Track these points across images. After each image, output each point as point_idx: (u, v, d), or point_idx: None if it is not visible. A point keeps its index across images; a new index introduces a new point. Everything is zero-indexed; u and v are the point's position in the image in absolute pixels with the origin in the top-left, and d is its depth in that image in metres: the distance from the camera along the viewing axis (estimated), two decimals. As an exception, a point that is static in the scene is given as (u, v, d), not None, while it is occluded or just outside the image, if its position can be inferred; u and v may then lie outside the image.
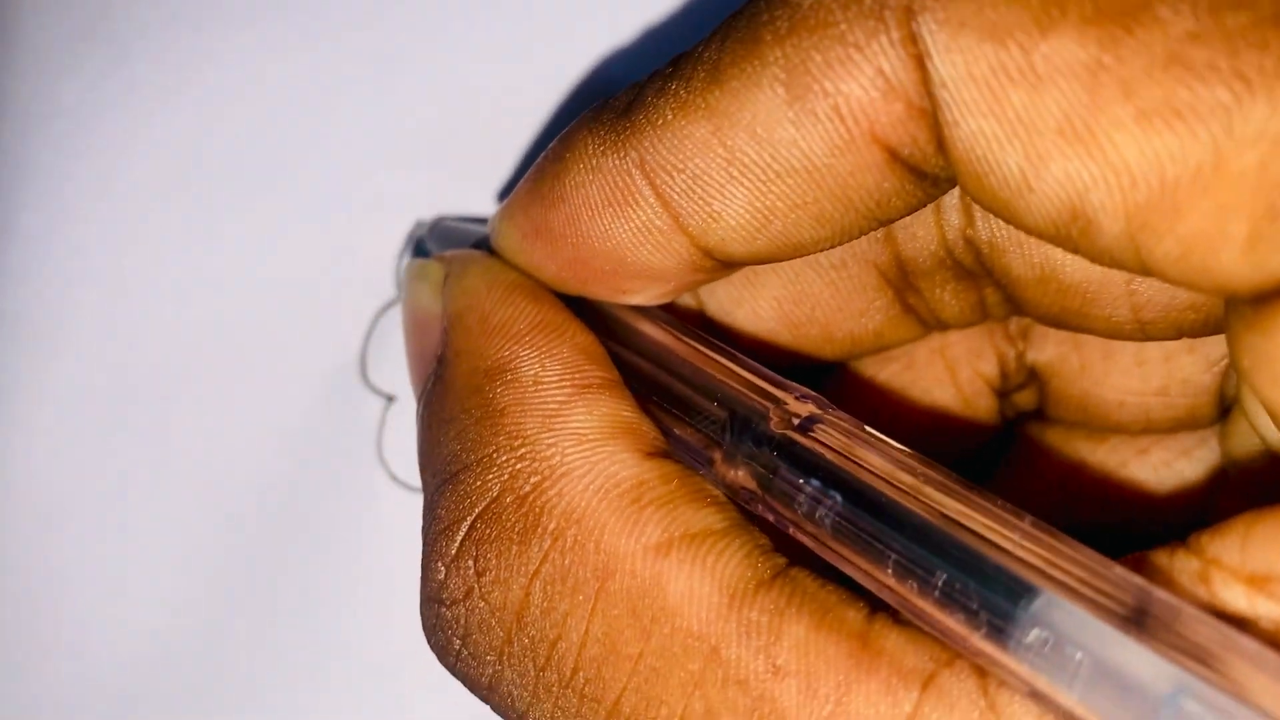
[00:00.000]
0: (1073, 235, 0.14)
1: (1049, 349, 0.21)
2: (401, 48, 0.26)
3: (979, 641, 0.13)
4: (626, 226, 0.16)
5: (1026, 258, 0.18)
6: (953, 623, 0.14)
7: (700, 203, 0.16)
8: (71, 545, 0.24)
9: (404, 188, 0.25)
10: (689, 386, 0.17)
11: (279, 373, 0.25)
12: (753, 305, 0.20)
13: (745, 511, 0.16)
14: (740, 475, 0.16)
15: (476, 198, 0.25)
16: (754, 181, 0.15)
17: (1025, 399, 0.22)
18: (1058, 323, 0.19)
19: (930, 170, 0.15)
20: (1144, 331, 0.18)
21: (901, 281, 0.20)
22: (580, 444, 0.16)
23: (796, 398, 0.17)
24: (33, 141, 0.26)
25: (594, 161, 0.17)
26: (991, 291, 0.20)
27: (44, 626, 0.24)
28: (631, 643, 0.15)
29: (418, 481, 0.24)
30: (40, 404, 0.25)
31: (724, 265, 0.17)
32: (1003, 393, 0.22)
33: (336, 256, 0.25)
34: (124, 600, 0.24)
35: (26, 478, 0.25)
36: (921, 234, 0.19)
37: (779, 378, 0.17)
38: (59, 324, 0.25)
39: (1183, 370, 0.20)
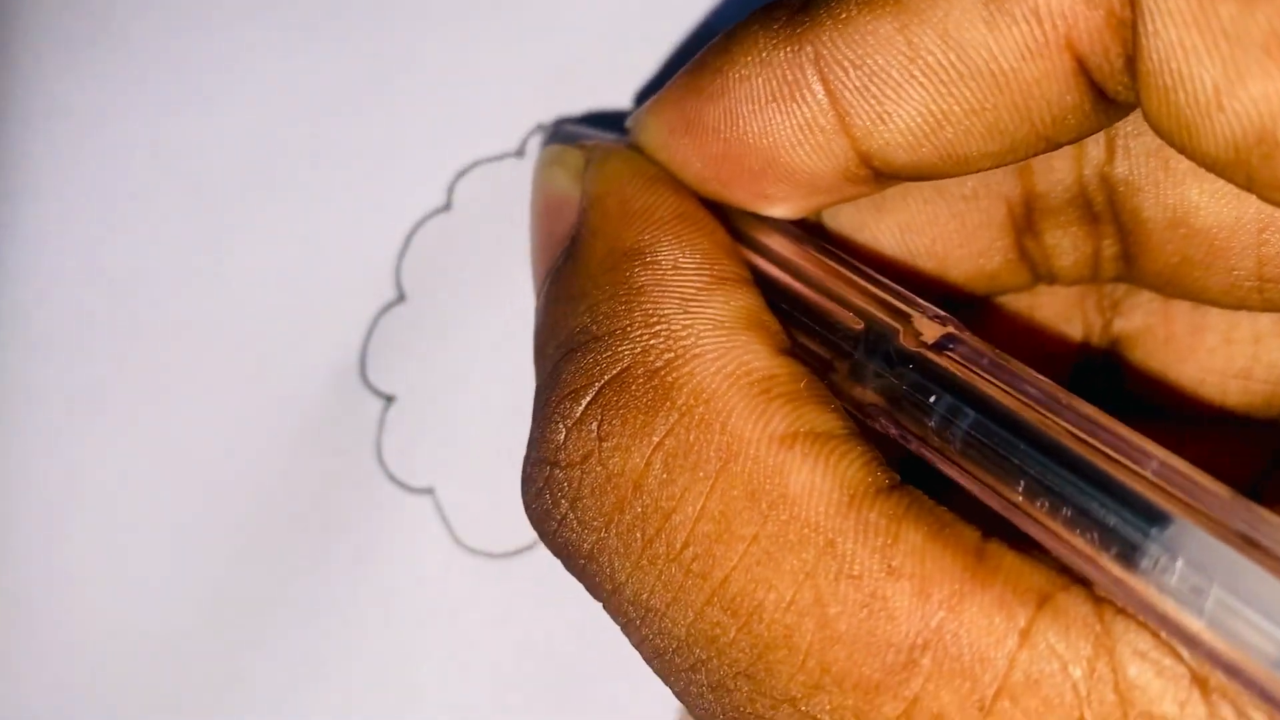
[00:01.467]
0: (1251, 162, 0.14)
1: (1137, 318, 0.21)
2: (403, 47, 0.26)
3: (1107, 563, 0.13)
4: (788, 122, 0.16)
5: (1161, 199, 0.18)
6: (1081, 544, 0.14)
7: (872, 101, 0.16)
8: (70, 545, 0.24)
9: (404, 188, 0.25)
10: (820, 296, 0.17)
11: (278, 373, 0.24)
12: (874, 230, 0.20)
13: (862, 426, 0.16)
14: (867, 389, 0.16)
15: (477, 199, 0.25)
16: (934, 82, 0.15)
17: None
18: (1170, 281, 0.19)
19: (1111, 90, 0.15)
20: (1261, 293, 0.18)
21: (1025, 222, 0.19)
22: (716, 330, 0.16)
23: (930, 317, 0.17)
24: (33, 141, 0.26)
25: (764, 55, 0.16)
26: (1110, 244, 0.19)
27: (42, 627, 0.24)
28: (747, 524, 0.15)
29: (416, 482, 0.24)
30: (40, 404, 0.24)
31: (874, 177, 0.17)
32: (1077, 365, 0.22)
33: (337, 257, 0.25)
34: (123, 600, 0.24)
35: (25, 478, 0.24)
36: (1059, 166, 0.19)
37: (913, 296, 0.17)
38: (59, 324, 0.25)
39: (1271, 353, 0.19)
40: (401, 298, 0.25)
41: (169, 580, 0.24)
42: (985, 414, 0.15)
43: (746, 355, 0.16)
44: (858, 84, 0.16)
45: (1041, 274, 0.20)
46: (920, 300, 0.17)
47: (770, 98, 0.16)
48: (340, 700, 0.23)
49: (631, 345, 0.16)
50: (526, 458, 0.17)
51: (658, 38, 0.26)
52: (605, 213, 0.18)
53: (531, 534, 0.24)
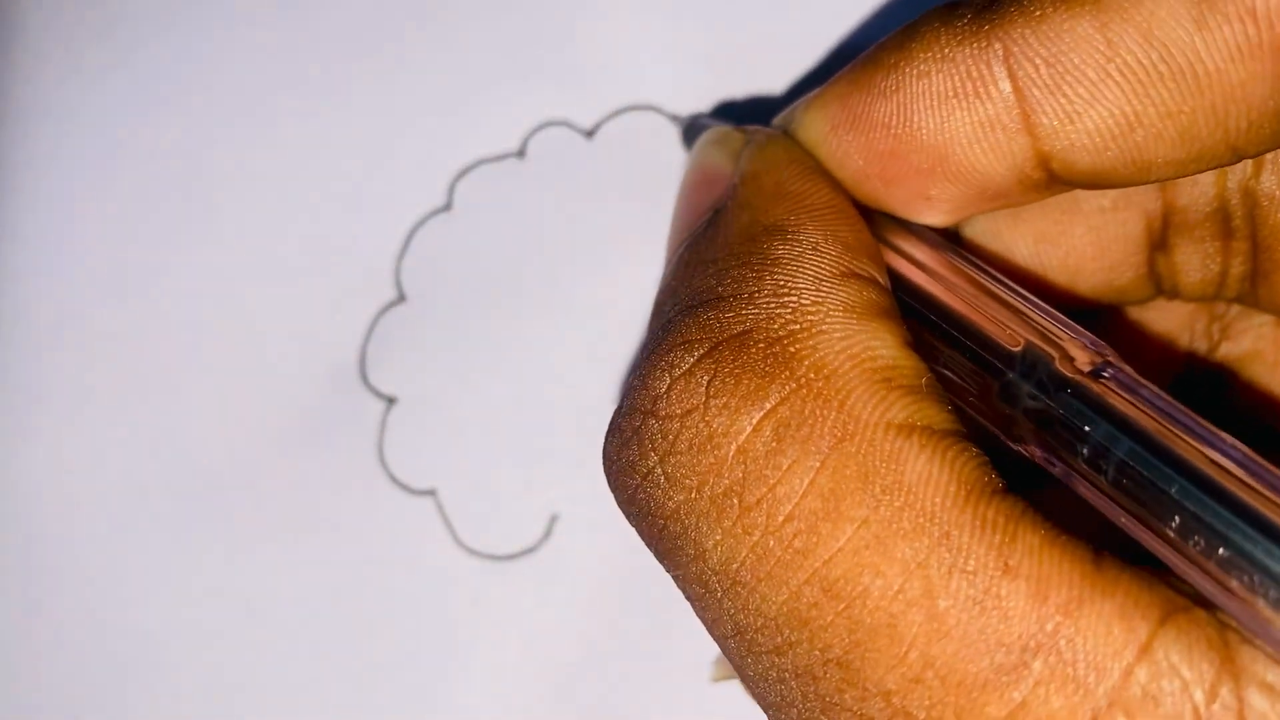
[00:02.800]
0: None
1: (1247, 341, 0.20)
2: (404, 47, 0.26)
3: (1263, 607, 0.13)
4: (969, 119, 0.16)
5: None
6: (1237, 586, 0.13)
7: (1063, 100, 0.16)
8: (70, 545, 0.24)
9: (404, 188, 0.25)
10: (972, 311, 0.17)
11: (278, 374, 0.24)
12: (1010, 239, 0.20)
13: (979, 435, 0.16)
14: (1015, 410, 0.16)
15: (477, 199, 0.25)
16: (1131, 82, 0.15)
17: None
18: None
19: None
20: None
21: (1160, 237, 0.19)
22: (846, 312, 0.16)
23: (1088, 344, 0.16)
24: (33, 142, 0.26)
25: (946, 50, 0.16)
26: (1239, 261, 0.19)
27: (43, 626, 0.24)
28: (857, 506, 0.14)
29: (417, 484, 0.24)
30: (40, 404, 0.24)
31: (1047, 183, 0.17)
32: (1177, 377, 0.22)
33: (336, 257, 0.25)
34: (124, 600, 0.24)
35: (25, 478, 0.24)
36: (1203, 179, 0.19)
37: (1068, 320, 0.17)
38: (59, 325, 0.25)
39: None
40: (402, 298, 0.25)
41: (170, 581, 0.24)
42: (1142, 446, 0.15)
43: (874, 341, 0.15)
44: (1049, 81, 0.16)
45: (1165, 289, 0.20)
46: (1075, 325, 0.17)
47: (951, 94, 0.16)
48: (342, 701, 0.23)
49: (757, 310, 0.16)
50: (619, 407, 0.17)
51: (658, 38, 0.26)
52: (757, 189, 0.18)
53: (534, 536, 0.24)
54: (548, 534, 0.24)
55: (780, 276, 0.16)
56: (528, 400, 0.24)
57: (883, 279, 0.17)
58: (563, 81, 0.26)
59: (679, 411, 0.16)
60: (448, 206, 0.25)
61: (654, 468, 0.16)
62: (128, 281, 0.25)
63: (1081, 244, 0.19)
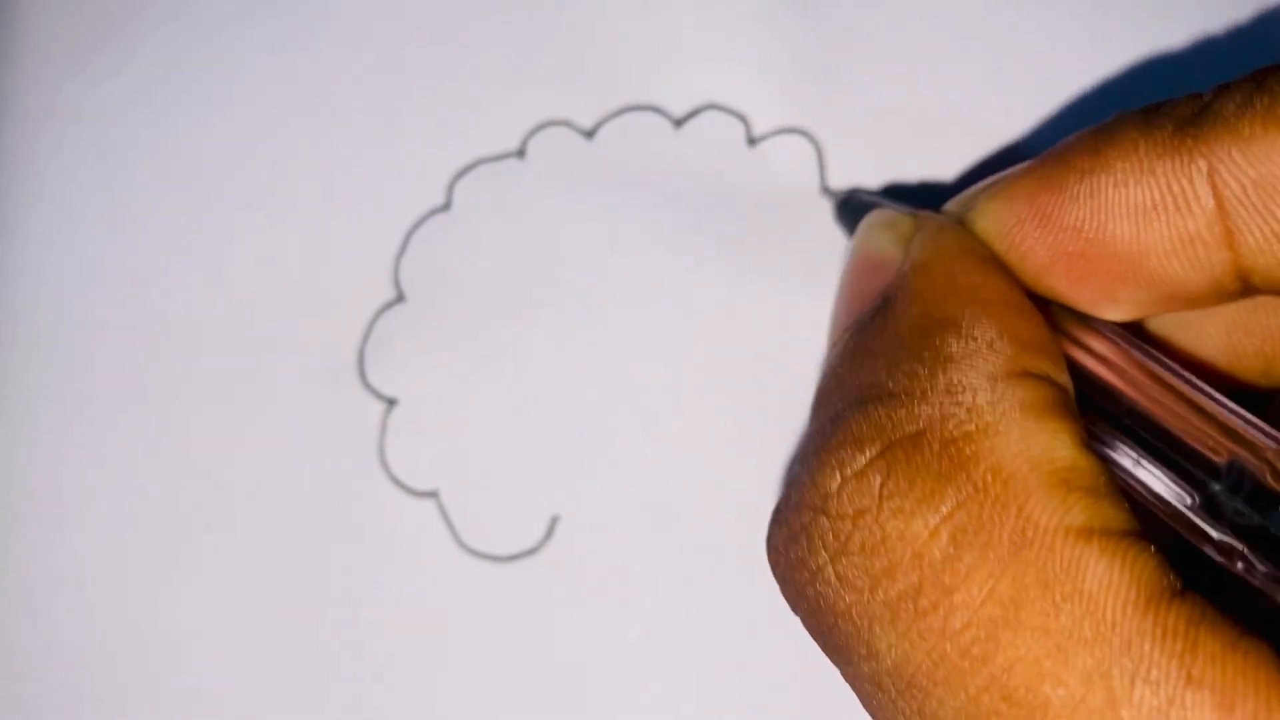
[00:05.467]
0: None
1: None
2: (404, 46, 0.26)
3: None
4: (1167, 232, 0.16)
5: None
6: None
7: (1271, 221, 0.16)
8: (71, 547, 0.24)
9: (403, 187, 0.25)
10: (1168, 415, 0.17)
11: (278, 375, 0.24)
12: (1200, 328, 0.20)
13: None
14: (1220, 525, 0.16)
15: (477, 198, 0.25)
16: None
17: None
18: None
19: None
20: None
21: None
22: (1024, 412, 0.15)
23: None
24: (34, 142, 0.26)
25: (1145, 163, 0.16)
26: None
27: (44, 628, 0.24)
28: (1037, 614, 0.14)
29: (419, 485, 0.24)
30: (42, 405, 0.24)
31: (1244, 290, 0.17)
32: None
33: (335, 257, 0.25)
34: (124, 602, 0.23)
35: (26, 480, 0.24)
36: None
37: (1271, 430, 0.16)
38: (60, 326, 0.25)
39: None
40: (400, 298, 0.25)
41: (171, 581, 0.24)
42: None
43: (1052, 442, 0.15)
44: (1256, 202, 0.16)
45: None
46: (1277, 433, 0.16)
47: (1150, 206, 0.16)
48: (343, 702, 0.23)
49: (930, 409, 0.16)
50: (784, 500, 0.17)
51: (659, 38, 0.26)
52: (928, 279, 0.17)
53: (536, 537, 0.24)
54: (549, 535, 0.24)
55: (954, 374, 0.16)
56: (528, 401, 0.24)
57: (1061, 376, 0.17)
58: (563, 81, 0.26)
59: (851, 511, 0.16)
60: (447, 206, 0.25)
61: (824, 566, 0.16)
62: (127, 282, 0.25)
63: (1278, 333, 0.19)
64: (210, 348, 0.25)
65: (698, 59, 0.25)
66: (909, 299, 0.17)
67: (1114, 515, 0.15)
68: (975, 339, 0.16)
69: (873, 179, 0.25)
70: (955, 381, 0.16)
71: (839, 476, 0.16)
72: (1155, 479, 0.16)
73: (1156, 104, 0.17)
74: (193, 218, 0.25)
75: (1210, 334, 0.20)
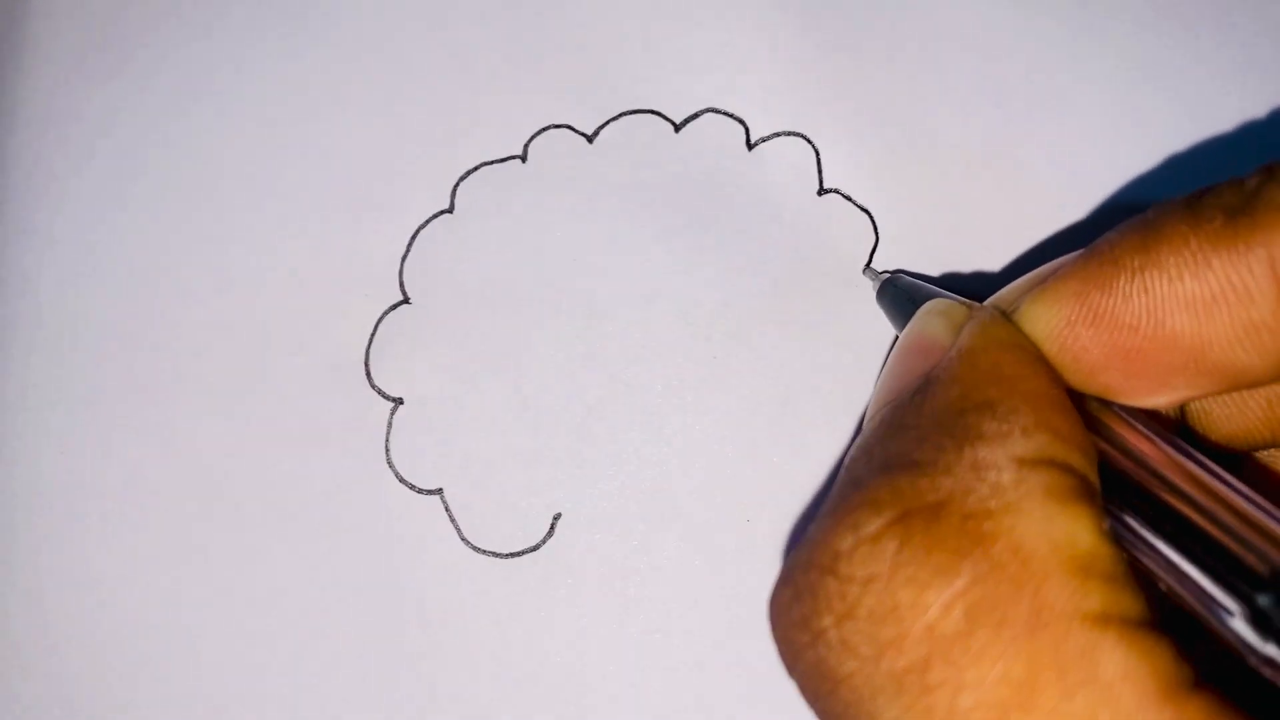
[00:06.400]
0: None
1: None
2: (407, 51, 0.26)
3: None
4: (1231, 324, 0.16)
5: None
6: None
7: None
8: (80, 545, 0.24)
9: (407, 191, 0.25)
10: (1209, 526, 0.16)
11: (285, 376, 0.24)
12: (1241, 405, 0.20)
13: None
14: (1266, 637, 0.15)
15: (479, 202, 0.25)
16: None
17: None
18: None
19: None
20: None
21: None
22: (1048, 495, 0.15)
23: None
24: (44, 145, 0.26)
25: (1199, 255, 0.16)
26: None
27: (51, 625, 0.24)
28: (1051, 698, 0.14)
29: (425, 482, 0.24)
30: (52, 404, 0.25)
31: None
32: None
33: (341, 260, 0.25)
34: (134, 598, 0.24)
35: (34, 478, 0.24)
36: None
37: None
38: (70, 326, 0.25)
39: None
40: (406, 300, 0.25)
41: (181, 578, 0.24)
42: None
43: (1074, 527, 0.15)
44: None
45: None
46: None
47: (1211, 299, 0.16)
48: (349, 696, 0.23)
49: (954, 482, 0.15)
50: (794, 557, 0.16)
51: (660, 43, 0.26)
52: (973, 365, 0.17)
53: (538, 535, 0.24)
54: (551, 532, 0.24)
55: (982, 451, 0.16)
56: (531, 400, 0.24)
57: (1090, 471, 0.16)
58: (564, 86, 0.26)
59: (861, 575, 0.15)
60: (451, 209, 0.25)
61: (827, 629, 0.15)
62: (138, 285, 0.25)
63: None
64: (218, 349, 0.25)
65: (697, 64, 0.25)
66: (950, 381, 0.17)
67: (1132, 604, 0.15)
68: (1009, 423, 0.16)
69: (870, 182, 0.25)
70: (982, 458, 0.15)
71: (851, 538, 0.15)
72: (1194, 581, 0.16)
73: (1198, 194, 0.16)
74: (201, 221, 0.25)
75: (1253, 407, 0.19)
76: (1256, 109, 0.25)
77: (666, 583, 0.23)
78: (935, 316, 0.19)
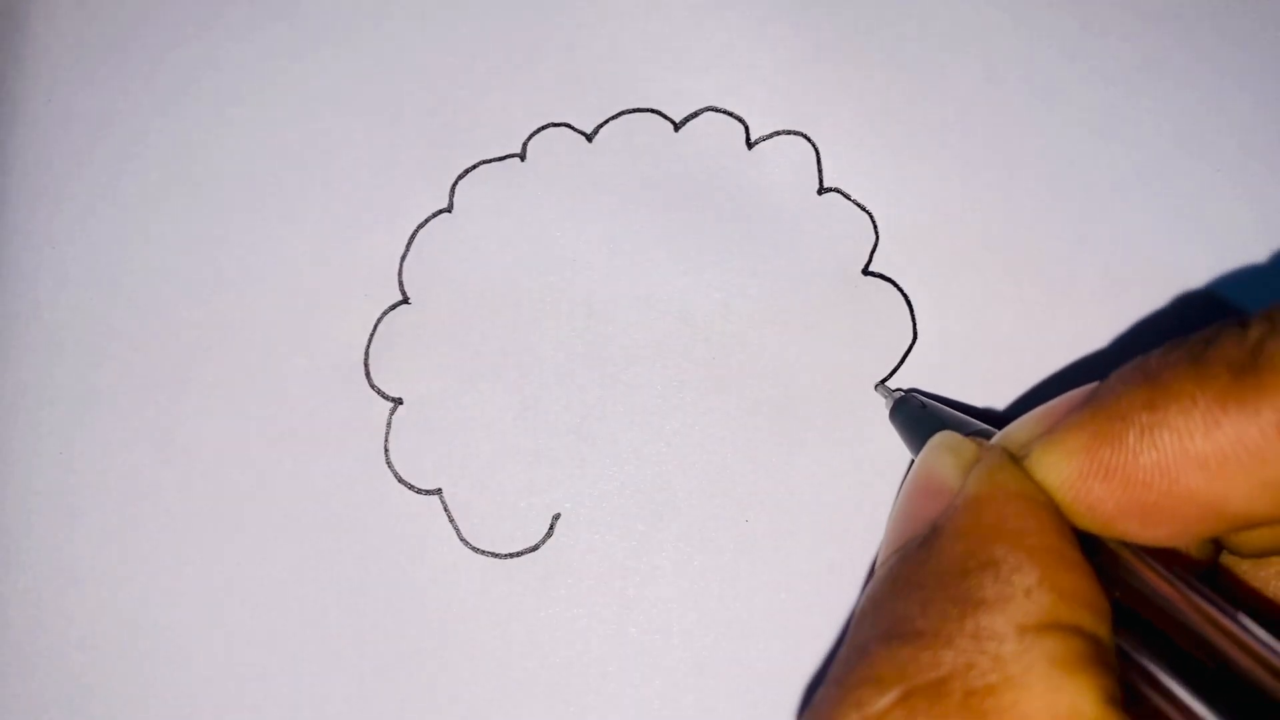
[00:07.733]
0: None
1: None
2: (406, 50, 0.26)
3: None
4: (1246, 481, 0.16)
5: None
6: None
7: None
8: (79, 545, 0.24)
9: (406, 190, 0.25)
10: (1244, 661, 0.16)
11: (284, 376, 0.24)
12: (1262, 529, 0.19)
13: None
14: None
15: (478, 200, 0.25)
16: None
17: None
18: None
19: None
20: None
21: None
22: (1051, 666, 0.15)
23: None
24: (43, 145, 0.26)
25: (1207, 414, 0.16)
26: None
27: (51, 625, 0.24)
28: None
29: (424, 483, 0.24)
30: (52, 405, 0.25)
31: None
32: None
33: (340, 260, 0.25)
34: (133, 599, 0.24)
35: (35, 478, 0.24)
36: None
37: None
38: (69, 326, 0.25)
39: None
40: (405, 300, 0.25)
41: (178, 579, 0.24)
42: None
43: (1078, 700, 0.15)
44: None
45: None
46: None
47: (1224, 458, 0.16)
48: (349, 695, 0.23)
49: (956, 655, 0.15)
50: (802, 717, 0.16)
51: (658, 43, 0.26)
52: (978, 517, 0.17)
53: (537, 535, 0.24)
54: (550, 532, 0.24)
55: (984, 619, 0.15)
56: (530, 400, 0.24)
57: (1100, 629, 0.16)
58: (563, 84, 0.26)
59: None
60: (449, 209, 0.25)
61: None
62: (138, 285, 0.25)
63: None
64: (218, 349, 0.25)
65: (697, 63, 0.25)
66: (955, 535, 0.17)
67: None
68: (1011, 584, 0.16)
69: (869, 180, 0.25)
70: (984, 627, 0.15)
71: (857, 717, 0.15)
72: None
73: (1201, 345, 0.16)
74: (201, 221, 0.25)
75: (1269, 533, 0.19)
76: (1242, 103, 0.25)
77: (666, 583, 0.23)
78: (944, 453, 0.19)
